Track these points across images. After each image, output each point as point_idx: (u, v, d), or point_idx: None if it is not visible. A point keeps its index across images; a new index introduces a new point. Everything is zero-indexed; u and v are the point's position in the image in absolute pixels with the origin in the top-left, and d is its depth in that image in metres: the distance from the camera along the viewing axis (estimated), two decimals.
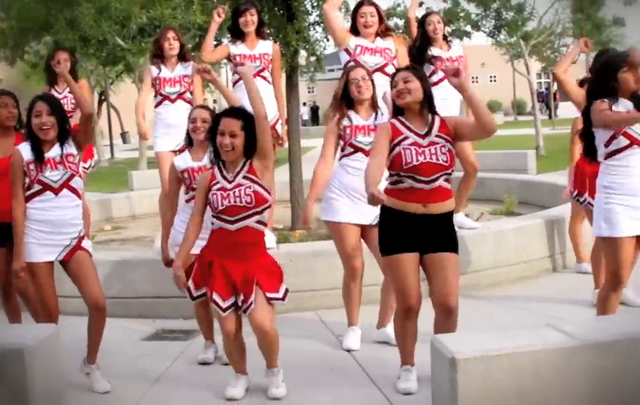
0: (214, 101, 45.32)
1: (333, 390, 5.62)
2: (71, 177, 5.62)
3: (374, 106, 6.38)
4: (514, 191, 11.98)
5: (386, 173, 5.35)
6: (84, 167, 5.89)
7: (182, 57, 8.53)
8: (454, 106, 7.96)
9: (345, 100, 6.31)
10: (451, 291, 5.29)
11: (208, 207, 5.42)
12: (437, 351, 4.39)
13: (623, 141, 5.56)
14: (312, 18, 10.74)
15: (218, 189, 5.32)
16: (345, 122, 6.29)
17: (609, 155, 5.64)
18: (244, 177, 5.34)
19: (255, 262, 5.33)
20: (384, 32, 7.73)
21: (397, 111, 5.38)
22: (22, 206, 5.64)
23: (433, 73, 8.09)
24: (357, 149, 6.27)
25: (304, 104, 56.05)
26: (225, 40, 8.79)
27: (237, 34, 8.34)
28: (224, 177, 5.37)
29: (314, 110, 62.19)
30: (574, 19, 30.25)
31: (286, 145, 9.65)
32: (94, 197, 13.23)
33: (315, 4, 10.55)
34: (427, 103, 5.31)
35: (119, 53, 23.11)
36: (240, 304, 5.30)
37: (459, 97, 8.23)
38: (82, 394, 5.73)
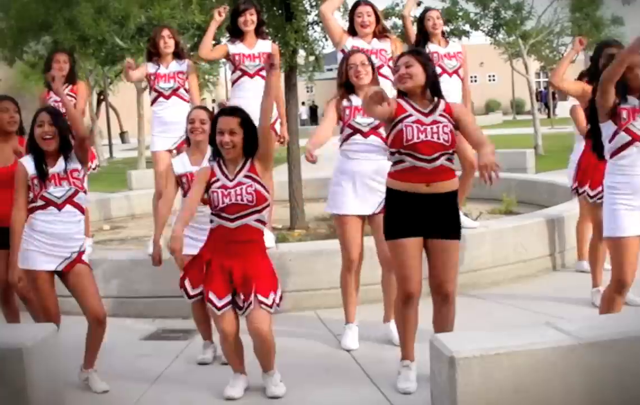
0: (213, 101, 45.35)
1: (332, 390, 5.62)
2: (75, 193, 5.61)
3: None
4: (512, 190, 11.97)
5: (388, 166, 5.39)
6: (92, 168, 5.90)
7: (178, 55, 8.55)
8: (455, 101, 7.90)
9: (346, 84, 6.30)
10: (448, 278, 5.36)
11: (203, 205, 5.44)
12: (436, 350, 4.39)
13: (625, 137, 5.53)
14: (311, 17, 10.72)
15: (219, 187, 5.34)
16: (345, 103, 6.29)
17: (614, 154, 5.63)
18: (245, 176, 5.37)
19: (254, 261, 5.34)
20: (381, 32, 7.74)
21: (402, 92, 5.39)
22: (22, 215, 5.64)
23: None
24: (355, 131, 6.27)
25: (303, 103, 56.00)
26: (223, 40, 8.78)
27: (236, 34, 8.34)
28: (225, 175, 5.38)
29: (313, 109, 62.14)
30: (572, 18, 30.25)
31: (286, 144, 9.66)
32: (92, 196, 13.19)
33: (313, 4, 10.53)
34: (431, 86, 5.32)
35: (118, 53, 23.10)
36: (240, 304, 5.31)
37: (459, 94, 8.27)
38: (81, 393, 5.73)
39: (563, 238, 8.95)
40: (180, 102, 8.43)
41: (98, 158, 9.37)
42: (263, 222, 5.46)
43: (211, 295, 5.29)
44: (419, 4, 13.45)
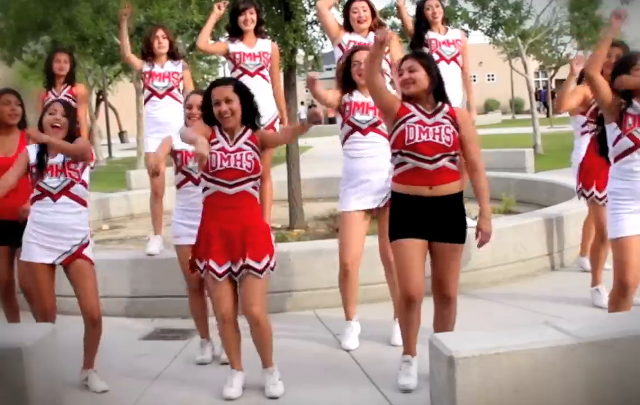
0: None
1: (331, 390, 5.62)
2: (71, 184, 5.58)
3: None
4: (512, 190, 11.97)
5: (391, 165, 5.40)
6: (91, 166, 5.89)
7: (172, 55, 8.55)
8: (455, 91, 7.86)
9: (346, 80, 6.28)
10: (450, 281, 5.37)
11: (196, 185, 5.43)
12: (435, 350, 4.39)
13: (628, 143, 5.54)
14: (310, 17, 10.73)
15: (218, 149, 5.34)
16: (346, 98, 6.28)
17: (617, 158, 5.64)
18: (246, 143, 5.40)
19: (250, 226, 5.35)
20: (377, 26, 7.74)
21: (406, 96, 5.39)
22: (8, 179, 5.62)
23: None
24: (354, 128, 6.27)
25: (302, 103, 55.94)
26: (222, 39, 8.79)
27: (236, 33, 8.34)
28: (225, 138, 5.39)
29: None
30: (571, 17, 30.29)
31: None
32: (92, 196, 13.17)
33: (312, 3, 10.54)
34: (435, 90, 5.30)
35: (117, 52, 23.09)
36: (235, 270, 5.33)
37: (459, 82, 8.27)
38: (80, 393, 5.73)
39: (562, 237, 8.96)
40: (174, 102, 8.43)
41: (97, 155, 9.36)
42: (257, 189, 5.47)
43: (211, 263, 5.29)
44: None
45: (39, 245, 5.60)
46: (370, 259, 6.70)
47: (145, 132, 8.66)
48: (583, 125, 7.92)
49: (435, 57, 7.98)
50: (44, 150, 5.60)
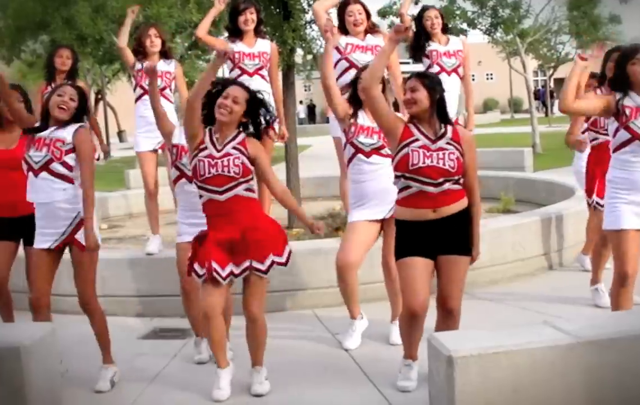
0: None
1: (330, 389, 5.61)
2: (50, 160, 5.50)
3: None
4: (510, 189, 11.97)
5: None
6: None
7: (164, 54, 8.53)
8: (452, 102, 7.88)
9: (354, 99, 6.25)
10: (454, 294, 5.33)
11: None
12: (434, 349, 4.39)
13: (625, 135, 5.57)
14: (309, 16, 10.72)
15: (205, 156, 5.33)
16: (352, 119, 6.26)
17: (616, 149, 5.69)
18: (234, 148, 5.36)
19: (250, 226, 5.34)
20: (372, 28, 7.75)
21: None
22: None
23: (429, 67, 8.10)
24: (357, 150, 6.24)
25: (301, 102, 55.99)
26: (222, 38, 8.78)
27: (236, 33, 8.34)
28: (213, 145, 5.37)
29: (311, 108, 62.14)
30: (570, 16, 30.33)
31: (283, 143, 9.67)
32: None
33: (311, 2, 10.52)
34: (438, 111, 5.27)
35: (116, 52, 23.07)
36: (236, 272, 5.34)
37: (457, 93, 8.27)
38: (78, 392, 5.72)
39: (561, 237, 8.96)
40: (165, 102, 8.39)
41: (98, 153, 9.31)
42: (252, 190, 5.46)
43: (215, 265, 5.26)
44: (416, 2, 13.39)
45: (39, 232, 5.61)
46: (369, 258, 6.69)
47: (135, 131, 8.64)
48: (583, 132, 7.90)
49: (436, 68, 8.00)
50: (44, 124, 5.60)
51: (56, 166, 5.52)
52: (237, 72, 8.27)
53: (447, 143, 5.22)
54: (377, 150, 6.19)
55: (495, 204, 11.34)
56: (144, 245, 8.31)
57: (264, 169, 5.48)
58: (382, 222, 6.31)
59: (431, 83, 5.29)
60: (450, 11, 25.42)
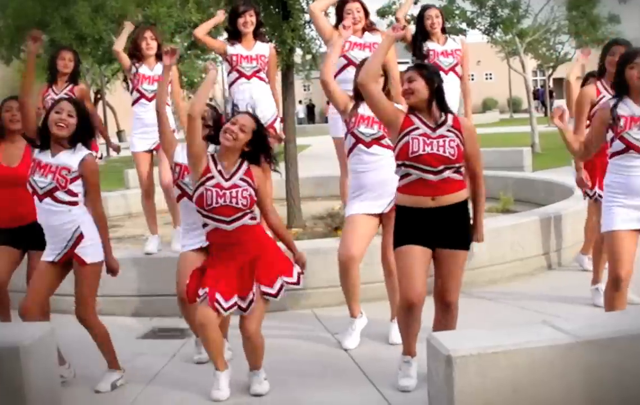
0: (210, 99, 45.29)
1: (329, 389, 5.61)
2: (55, 189, 5.49)
3: None
4: (509, 189, 11.97)
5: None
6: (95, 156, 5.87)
7: (160, 56, 8.51)
8: (451, 100, 7.86)
9: (358, 91, 6.25)
10: (451, 287, 5.35)
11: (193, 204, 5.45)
12: (433, 349, 4.39)
13: (620, 145, 5.59)
14: (308, 16, 10.70)
15: (213, 186, 5.33)
16: (354, 109, 6.26)
17: (612, 156, 5.70)
18: (241, 179, 5.38)
19: (258, 253, 5.37)
20: (369, 26, 7.76)
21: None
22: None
23: None
24: (358, 140, 6.24)
25: (300, 102, 56.00)
26: (221, 39, 8.78)
27: (235, 35, 8.34)
28: (220, 174, 5.37)
29: (310, 108, 62.16)
30: (569, 16, 30.31)
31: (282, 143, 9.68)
32: None
33: (310, 2, 10.53)
34: (436, 100, 5.28)
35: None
36: (244, 306, 5.34)
37: (458, 92, 8.27)
38: (77, 392, 5.73)
39: (560, 236, 8.96)
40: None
41: (110, 143, 9.32)
42: (255, 218, 5.48)
43: (217, 296, 5.26)
44: (416, 2, 13.38)
45: (47, 245, 5.65)
46: (368, 258, 6.69)
47: (131, 131, 8.65)
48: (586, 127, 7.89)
49: None
50: (46, 145, 5.58)
51: (60, 194, 5.53)
52: (235, 75, 8.28)
53: (448, 130, 5.24)
54: (377, 141, 6.19)
55: (494, 204, 11.34)
56: (143, 245, 8.31)
57: (263, 198, 5.51)
58: (381, 216, 6.32)
59: (429, 73, 5.31)
60: (450, 11, 25.42)
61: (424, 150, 5.16)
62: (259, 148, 5.48)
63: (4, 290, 6.29)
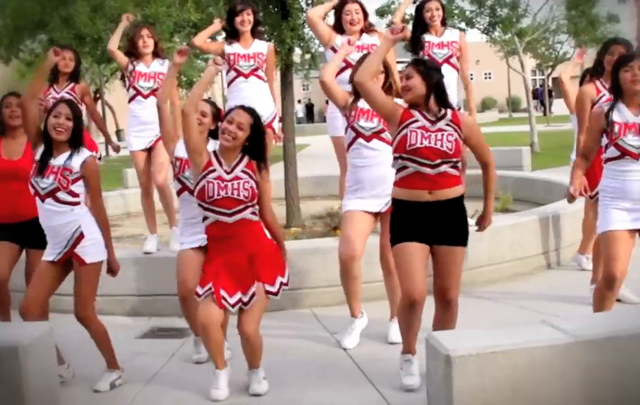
0: (209, 98, 45.35)
1: (328, 389, 5.61)
2: (57, 189, 5.51)
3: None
4: (509, 188, 11.98)
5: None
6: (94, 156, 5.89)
7: (157, 54, 8.53)
8: (451, 92, 7.83)
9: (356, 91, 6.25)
10: (451, 284, 5.35)
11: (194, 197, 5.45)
12: (432, 348, 4.38)
13: (615, 152, 5.61)
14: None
15: (215, 178, 5.34)
16: (353, 103, 6.25)
17: (607, 161, 5.72)
18: (243, 171, 5.39)
19: (256, 249, 5.37)
20: (368, 28, 7.76)
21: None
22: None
23: None
24: (358, 134, 6.24)
25: (299, 101, 56.00)
26: (219, 38, 8.79)
27: (233, 34, 8.34)
28: (221, 166, 5.38)
29: (309, 107, 62.17)
30: (568, 15, 30.30)
31: (281, 143, 9.68)
32: None
33: (309, 2, 10.53)
34: (435, 96, 5.26)
35: None
36: (246, 300, 5.34)
37: (455, 84, 8.26)
38: (76, 391, 5.72)
39: (559, 236, 8.96)
40: None
41: (111, 142, 9.35)
42: (256, 213, 5.48)
43: (222, 292, 5.28)
44: (414, 2, 13.37)
45: (48, 245, 5.66)
46: (367, 257, 6.69)
47: (128, 130, 8.66)
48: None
49: None
50: (49, 150, 5.59)
51: (62, 195, 5.55)
52: (232, 74, 8.27)
53: (447, 124, 5.24)
54: (377, 134, 6.19)
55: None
56: (142, 244, 8.31)
57: (262, 193, 5.50)
58: (378, 215, 6.32)
59: (426, 69, 5.30)
60: (449, 10, 25.39)
61: (421, 143, 5.16)
62: (259, 142, 5.48)
63: (5, 287, 6.29)
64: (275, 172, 10.79)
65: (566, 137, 9.42)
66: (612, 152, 5.64)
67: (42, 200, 5.55)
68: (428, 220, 5.23)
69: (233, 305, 5.33)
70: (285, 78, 10.65)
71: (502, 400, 4.17)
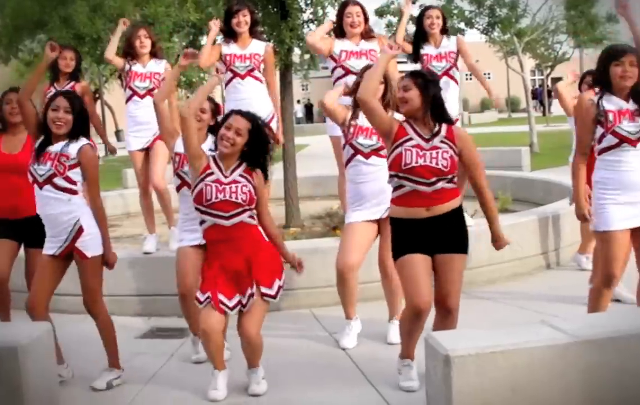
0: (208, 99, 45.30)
1: (327, 389, 5.61)
2: (53, 175, 5.50)
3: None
4: (508, 188, 11.98)
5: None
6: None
7: (154, 54, 8.53)
8: (451, 102, 7.83)
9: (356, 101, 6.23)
10: (452, 292, 5.33)
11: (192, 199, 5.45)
12: (431, 348, 4.38)
13: (612, 140, 5.55)
14: (306, 16, 10.72)
15: (213, 181, 5.34)
16: (352, 120, 6.25)
17: (601, 152, 5.64)
18: (241, 175, 5.38)
19: (253, 252, 5.36)
20: (367, 33, 7.75)
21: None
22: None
23: None
24: (356, 151, 6.25)
25: (298, 101, 56.00)
26: (218, 39, 8.81)
27: (230, 35, 8.32)
28: (220, 170, 5.38)
29: (308, 108, 62.15)
30: (567, 15, 30.34)
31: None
32: None
33: (309, 2, 10.54)
34: (431, 110, 5.22)
35: None
36: (244, 302, 5.35)
37: (456, 94, 8.26)
38: (76, 391, 5.72)
39: (558, 236, 8.96)
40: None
41: (108, 143, 9.38)
42: (254, 218, 5.47)
43: (221, 297, 5.28)
44: (414, 2, 13.39)
45: (47, 239, 5.65)
46: (366, 258, 6.67)
47: (126, 131, 8.67)
48: None
49: None
50: (47, 140, 5.59)
51: (59, 181, 5.53)
52: (229, 74, 8.25)
53: (441, 141, 5.20)
54: (376, 151, 6.19)
55: None
56: (141, 244, 8.30)
57: (260, 197, 5.49)
58: (379, 221, 6.32)
59: (424, 82, 5.25)
60: (448, 10, 25.42)
61: (416, 162, 5.13)
62: (257, 148, 5.47)
63: (5, 286, 6.30)
64: (275, 172, 10.81)
65: (565, 137, 9.42)
66: (609, 140, 5.55)
67: (41, 188, 5.55)
68: (427, 234, 5.22)
69: (232, 308, 5.33)
70: (284, 78, 10.66)
71: (501, 400, 4.17)
